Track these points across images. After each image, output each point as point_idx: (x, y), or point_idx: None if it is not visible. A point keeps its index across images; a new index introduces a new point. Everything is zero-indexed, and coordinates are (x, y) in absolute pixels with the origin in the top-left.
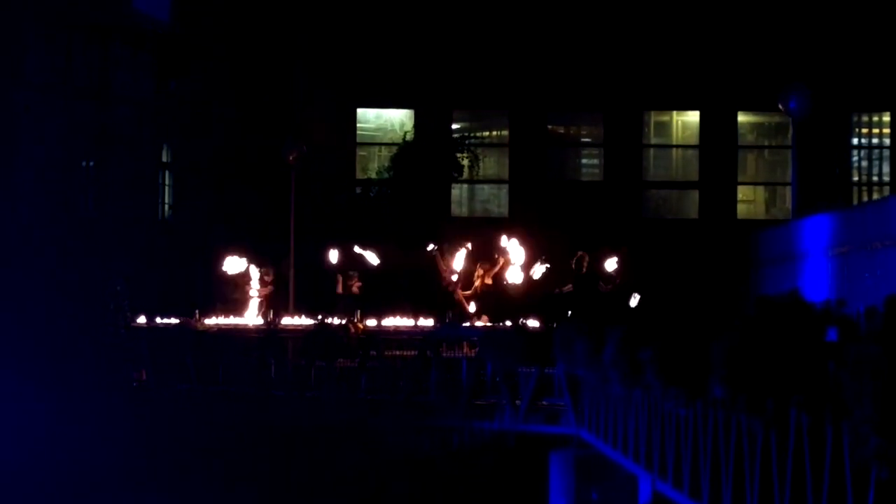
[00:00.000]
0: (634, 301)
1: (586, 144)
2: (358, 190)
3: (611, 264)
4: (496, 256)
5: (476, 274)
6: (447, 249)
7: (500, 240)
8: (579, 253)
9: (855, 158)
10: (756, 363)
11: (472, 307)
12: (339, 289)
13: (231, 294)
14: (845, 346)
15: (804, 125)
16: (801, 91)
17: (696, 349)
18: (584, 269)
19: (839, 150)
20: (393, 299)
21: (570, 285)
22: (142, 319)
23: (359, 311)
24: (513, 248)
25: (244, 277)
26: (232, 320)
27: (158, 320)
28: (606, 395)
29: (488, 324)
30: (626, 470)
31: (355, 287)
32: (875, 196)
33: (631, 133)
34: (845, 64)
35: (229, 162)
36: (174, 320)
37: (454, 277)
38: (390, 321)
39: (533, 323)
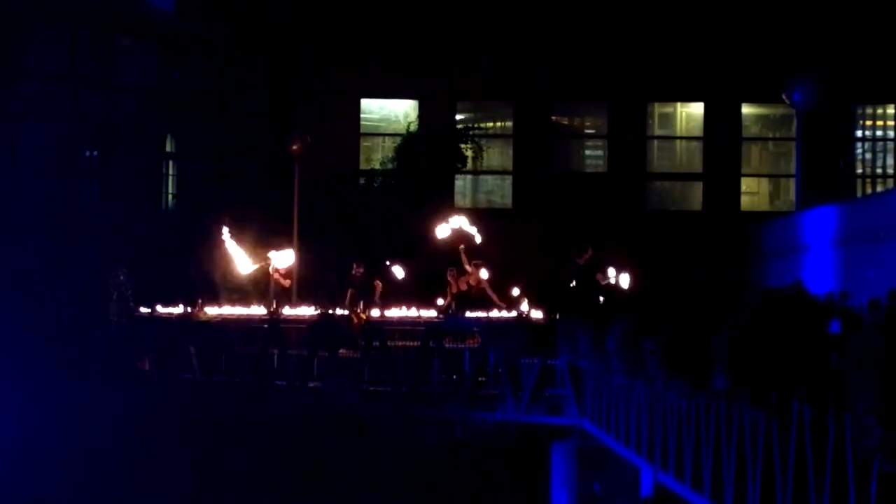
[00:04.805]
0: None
1: (590, 136)
2: (362, 181)
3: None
4: (459, 248)
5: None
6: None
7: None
8: (582, 243)
9: (859, 151)
10: (759, 355)
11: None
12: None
13: (249, 286)
14: (849, 337)
15: (808, 117)
16: (806, 83)
17: (699, 340)
18: (585, 260)
19: (843, 142)
20: (396, 290)
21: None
22: (145, 309)
23: (362, 302)
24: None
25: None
26: (235, 310)
27: (161, 310)
28: (609, 387)
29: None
30: (628, 461)
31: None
32: (879, 188)
33: (635, 124)
34: (850, 56)
35: (233, 152)
36: (177, 310)
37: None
38: (393, 312)
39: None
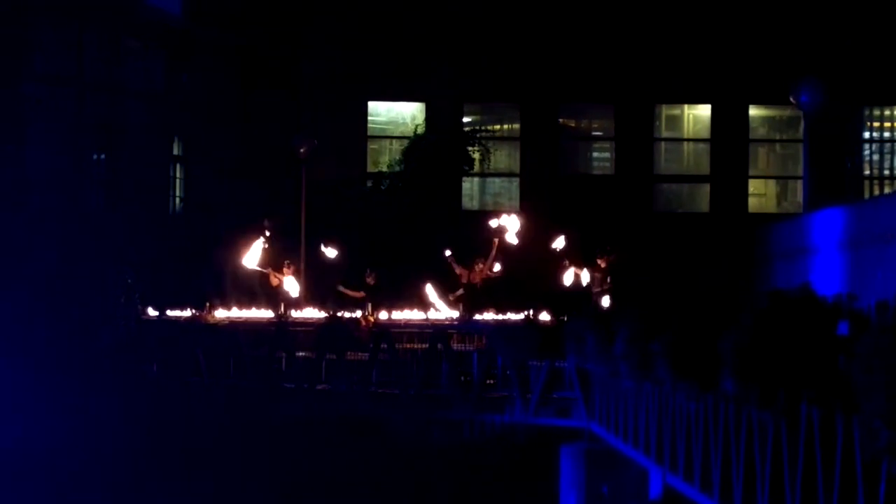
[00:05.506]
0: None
1: (597, 138)
2: (369, 183)
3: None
4: (494, 241)
5: (476, 268)
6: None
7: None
8: (608, 247)
9: (867, 152)
10: (767, 357)
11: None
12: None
13: (257, 287)
14: (856, 339)
15: (816, 119)
16: (813, 84)
17: (707, 343)
18: (606, 265)
19: (851, 143)
20: (404, 292)
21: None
22: (153, 312)
23: (370, 305)
24: (509, 225)
25: (270, 269)
26: (243, 313)
27: (169, 313)
28: (617, 389)
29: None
30: (636, 463)
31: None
32: (886, 190)
33: (642, 126)
34: (857, 57)
35: (240, 155)
36: (185, 313)
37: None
38: (401, 314)
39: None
